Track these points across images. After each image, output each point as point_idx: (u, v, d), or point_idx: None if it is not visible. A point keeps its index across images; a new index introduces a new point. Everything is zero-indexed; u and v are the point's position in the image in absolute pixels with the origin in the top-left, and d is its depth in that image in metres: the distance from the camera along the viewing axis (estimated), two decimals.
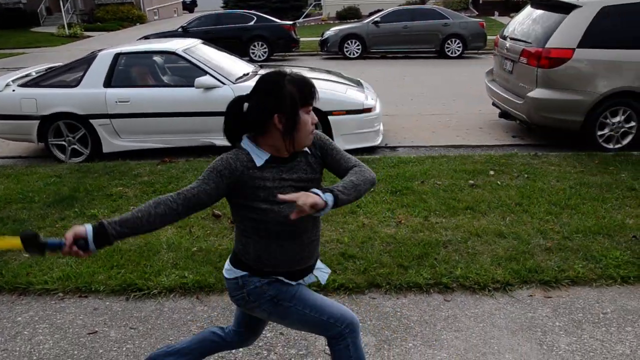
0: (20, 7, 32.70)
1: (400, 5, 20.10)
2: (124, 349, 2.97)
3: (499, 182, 5.09)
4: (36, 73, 7.04)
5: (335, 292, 3.37)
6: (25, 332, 3.17)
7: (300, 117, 1.93)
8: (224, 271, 2.22)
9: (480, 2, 31.03)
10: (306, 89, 1.94)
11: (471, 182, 5.10)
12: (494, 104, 7.52)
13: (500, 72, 7.31)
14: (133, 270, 3.64)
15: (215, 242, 3.99)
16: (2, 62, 18.24)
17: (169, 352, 2.42)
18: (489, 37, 15.89)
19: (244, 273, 2.11)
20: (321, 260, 2.29)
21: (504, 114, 7.33)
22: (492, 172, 5.38)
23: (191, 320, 3.18)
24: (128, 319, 3.23)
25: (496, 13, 29.37)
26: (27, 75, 6.95)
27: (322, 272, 2.28)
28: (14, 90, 6.46)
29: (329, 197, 1.83)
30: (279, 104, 1.91)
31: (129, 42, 9.22)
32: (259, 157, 1.97)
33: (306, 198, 1.79)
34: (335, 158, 2.10)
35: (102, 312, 3.31)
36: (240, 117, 2.00)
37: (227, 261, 2.21)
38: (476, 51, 16.40)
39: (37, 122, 6.39)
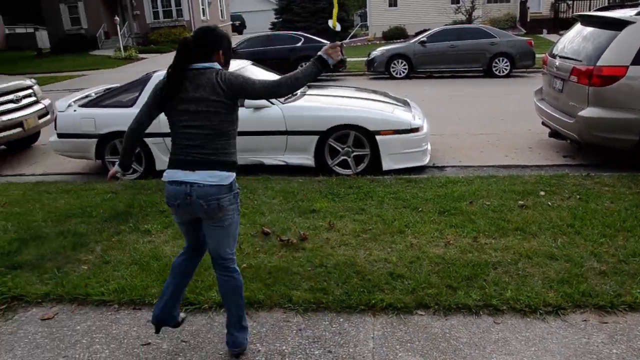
0: (82, 33, 34.49)
1: (446, 25, 20.05)
2: None
3: (549, 203, 4.99)
4: (95, 94, 7.37)
5: (383, 312, 3.37)
6: (84, 341, 3.29)
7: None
8: (210, 179, 2.72)
9: (528, 20, 30.58)
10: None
11: (521, 202, 5.03)
12: (543, 124, 7.40)
13: (549, 90, 7.20)
14: None
15: (264, 260, 4.05)
16: (64, 84, 19.18)
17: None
18: (537, 55, 15.67)
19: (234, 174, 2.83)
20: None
21: (554, 134, 7.20)
22: (542, 193, 5.28)
23: None
24: (180, 332, 3.31)
25: (544, 31, 28.91)
26: (87, 96, 7.28)
27: None
28: (75, 111, 6.78)
29: None
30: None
31: None
32: None
33: None
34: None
35: None
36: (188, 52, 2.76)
37: (214, 171, 2.74)
38: (524, 70, 16.17)
39: (95, 140, 6.67)
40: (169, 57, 28.32)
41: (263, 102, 6.29)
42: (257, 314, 3.43)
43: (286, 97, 6.54)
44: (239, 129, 6.52)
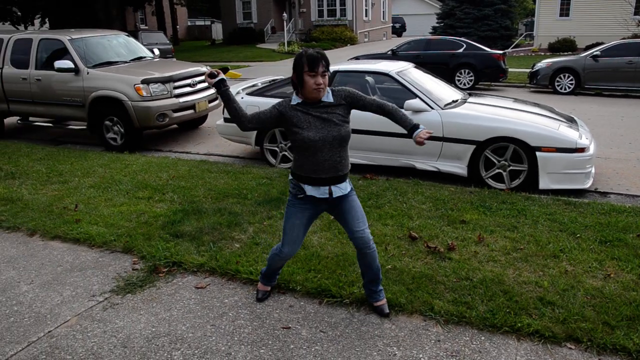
0: (251, 27, 37.03)
1: (623, 38, 18.34)
2: (313, 349, 3.13)
3: None
4: (262, 84, 7.82)
5: (529, 337, 3.17)
6: (230, 314, 3.51)
7: (303, 78, 2.97)
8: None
9: None
10: (311, 60, 2.94)
11: None
12: None
13: None
14: (328, 277, 3.82)
15: (409, 264, 4.02)
16: None
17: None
18: None
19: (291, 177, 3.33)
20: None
21: None
22: None
23: (378, 335, 3.24)
24: (319, 322, 3.40)
25: None
26: (254, 85, 7.76)
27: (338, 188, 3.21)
28: (242, 98, 7.25)
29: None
30: (294, 68, 3.03)
31: (340, 61, 9.76)
32: (294, 100, 3.10)
33: None
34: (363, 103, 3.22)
35: (297, 310, 3.53)
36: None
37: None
38: None
39: None
40: (329, 54, 29.29)
41: (422, 105, 6.24)
42: (396, 317, 3.41)
43: (446, 103, 6.43)
44: (394, 130, 6.59)
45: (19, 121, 9.84)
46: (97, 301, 3.73)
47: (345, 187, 3.21)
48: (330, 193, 3.16)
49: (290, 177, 3.27)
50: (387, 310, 3.45)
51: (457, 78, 15.69)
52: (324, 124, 3.06)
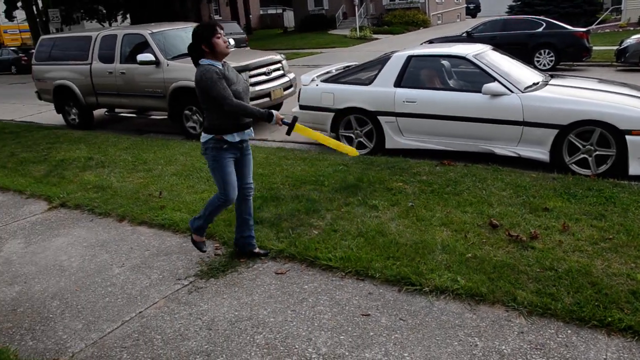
0: (323, 13, 37.14)
1: None
2: (392, 337, 3.13)
3: None
4: (336, 70, 7.83)
5: (621, 333, 3.02)
6: (310, 300, 3.57)
7: (213, 42, 3.62)
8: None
9: None
10: (214, 26, 3.64)
11: None
12: None
13: None
14: (407, 265, 3.80)
15: (490, 252, 3.93)
16: (304, 60, 20.83)
17: (195, 217, 4.07)
18: None
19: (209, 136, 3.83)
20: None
21: None
22: None
23: (459, 325, 3.19)
24: (399, 310, 3.39)
25: None
26: (328, 72, 7.78)
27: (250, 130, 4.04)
28: (317, 85, 7.30)
29: None
30: (201, 39, 3.66)
31: (413, 45, 9.59)
32: (215, 64, 3.66)
33: None
34: None
35: (376, 297, 3.54)
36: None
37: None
38: None
39: (332, 114, 7.12)
40: (401, 38, 28.87)
41: (501, 89, 6.05)
42: (477, 307, 3.35)
43: (527, 86, 6.19)
44: (472, 115, 6.44)
45: (106, 112, 10.38)
46: (183, 284, 3.90)
47: (252, 130, 3.93)
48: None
49: (207, 137, 3.74)
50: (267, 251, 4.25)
51: (536, 59, 15.03)
52: (238, 78, 3.75)
